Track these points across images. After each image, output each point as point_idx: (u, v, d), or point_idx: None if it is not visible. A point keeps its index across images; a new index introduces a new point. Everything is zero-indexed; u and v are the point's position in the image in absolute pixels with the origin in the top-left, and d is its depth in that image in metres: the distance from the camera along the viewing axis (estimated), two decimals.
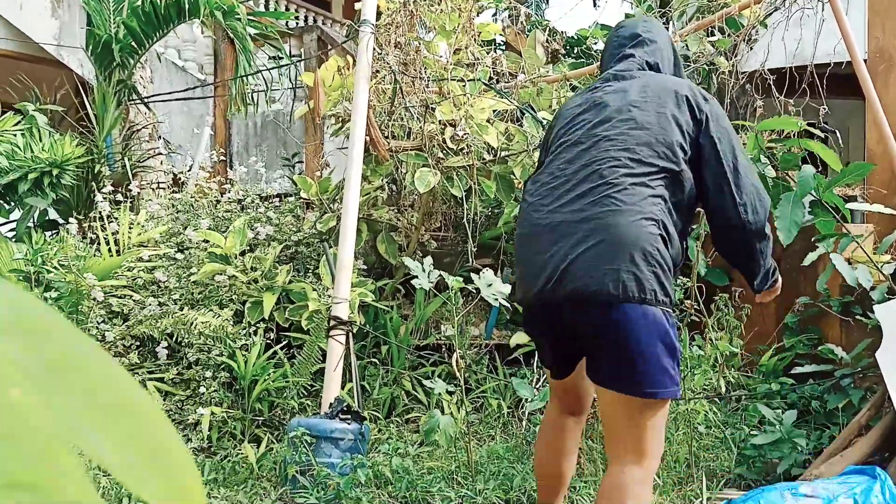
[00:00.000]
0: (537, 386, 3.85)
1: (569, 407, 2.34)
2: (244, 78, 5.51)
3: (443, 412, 3.78)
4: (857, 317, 3.97)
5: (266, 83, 5.67)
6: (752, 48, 4.58)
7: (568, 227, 2.01)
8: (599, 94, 2.23)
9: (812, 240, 3.77)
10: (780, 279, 2.27)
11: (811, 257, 3.65)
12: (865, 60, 5.61)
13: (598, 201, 1.99)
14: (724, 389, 3.69)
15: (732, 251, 2.18)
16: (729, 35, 4.36)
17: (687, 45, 4.56)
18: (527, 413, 3.80)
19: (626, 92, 2.17)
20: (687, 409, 3.43)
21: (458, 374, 3.09)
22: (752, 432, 3.52)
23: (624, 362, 1.93)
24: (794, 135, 3.51)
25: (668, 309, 1.95)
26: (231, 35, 5.44)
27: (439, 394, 3.28)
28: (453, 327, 3.32)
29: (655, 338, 1.91)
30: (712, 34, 4.56)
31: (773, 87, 4.09)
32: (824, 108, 3.82)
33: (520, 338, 4.38)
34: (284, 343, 4.11)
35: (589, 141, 2.12)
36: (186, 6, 5.14)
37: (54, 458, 0.29)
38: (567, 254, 1.97)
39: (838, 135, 4.11)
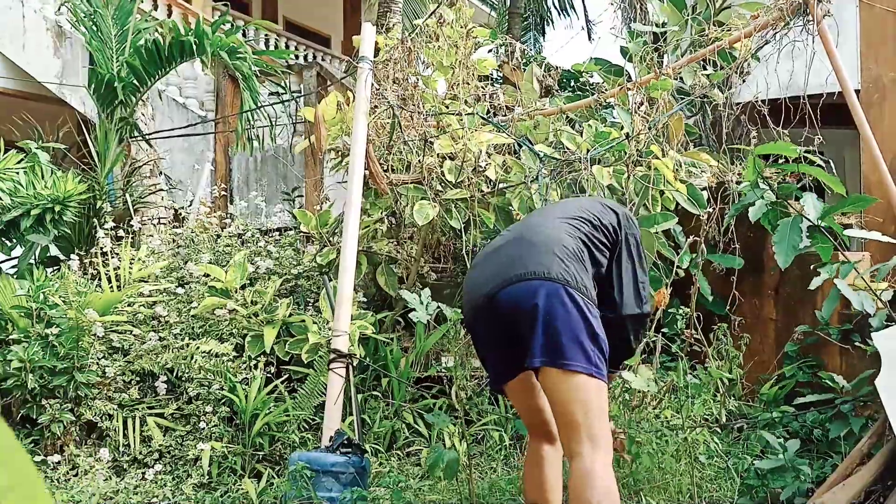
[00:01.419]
0: None
1: (540, 433, 2.52)
2: (247, 115, 5.57)
3: (444, 445, 3.77)
4: (857, 344, 3.97)
5: (270, 120, 5.74)
6: (744, 80, 4.65)
7: (500, 249, 2.40)
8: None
9: (812, 267, 3.79)
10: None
11: (816, 282, 3.66)
12: (858, 91, 5.69)
13: (525, 228, 2.45)
14: (724, 418, 3.68)
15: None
16: (722, 68, 4.43)
17: (681, 79, 4.63)
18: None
19: (557, 202, 2.80)
20: (688, 439, 3.42)
21: (458, 406, 3.08)
22: (754, 461, 3.50)
23: (547, 334, 2.16)
24: (792, 161, 3.55)
25: (587, 298, 2.23)
26: (235, 73, 5.52)
27: (440, 425, 3.27)
28: (454, 359, 3.32)
29: (574, 315, 2.16)
30: (706, 67, 4.63)
31: (767, 117, 4.14)
32: (818, 138, 3.86)
33: None
34: (285, 377, 4.11)
35: (527, 216, 2.70)
36: (191, 46, 5.22)
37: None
38: (499, 261, 2.35)
39: (832, 165, 4.15)
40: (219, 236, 5.02)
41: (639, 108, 4.17)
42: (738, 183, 4.23)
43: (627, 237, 2.51)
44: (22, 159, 4.94)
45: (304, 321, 4.12)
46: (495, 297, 2.28)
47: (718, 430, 3.73)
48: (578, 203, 2.62)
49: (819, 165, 3.63)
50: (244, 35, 10.66)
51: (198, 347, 3.85)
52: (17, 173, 4.80)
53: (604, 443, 2.17)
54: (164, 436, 3.76)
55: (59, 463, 3.64)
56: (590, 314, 2.20)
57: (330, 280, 4.20)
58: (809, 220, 3.45)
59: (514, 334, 2.30)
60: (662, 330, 4.04)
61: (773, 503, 3.27)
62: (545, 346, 2.16)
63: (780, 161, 3.75)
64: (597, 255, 2.41)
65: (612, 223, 2.49)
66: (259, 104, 5.57)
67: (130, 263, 4.38)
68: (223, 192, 6.92)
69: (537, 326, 2.17)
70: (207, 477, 3.57)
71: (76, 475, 3.60)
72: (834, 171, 4.06)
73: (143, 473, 3.62)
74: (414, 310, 3.05)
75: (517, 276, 2.24)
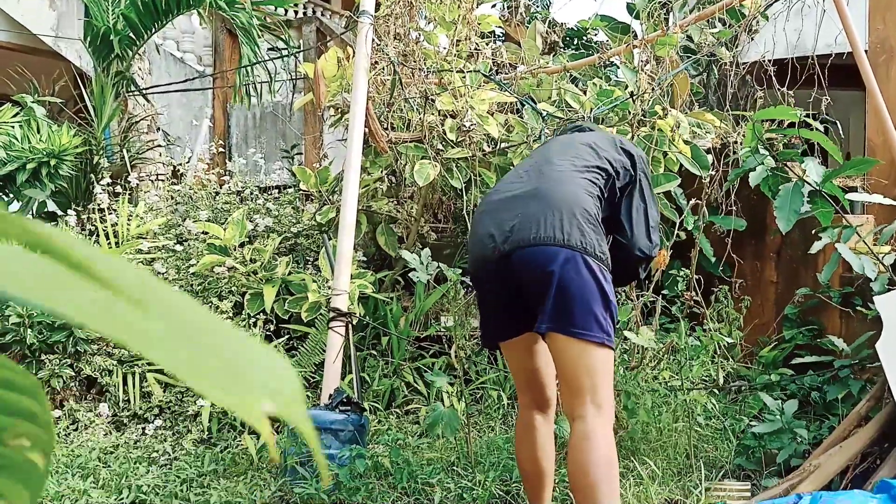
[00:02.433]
0: None
1: (535, 401, 2.47)
2: (247, 69, 5.49)
3: (443, 404, 3.78)
4: (857, 308, 3.97)
5: (270, 74, 5.66)
6: (753, 39, 4.57)
7: (516, 199, 2.31)
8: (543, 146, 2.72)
9: (813, 231, 3.76)
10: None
11: (817, 246, 3.64)
12: (866, 51, 5.60)
13: (542, 178, 2.34)
14: (722, 380, 3.70)
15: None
16: (730, 26, 4.34)
17: (689, 36, 4.54)
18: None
19: (571, 139, 2.61)
20: (686, 400, 3.43)
21: (457, 365, 3.09)
22: (751, 423, 3.52)
23: (560, 301, 2.14)
24: (795, 125, 3.50)
25: (604, 265, 2.20)
26: (234, 26, 5.41)
27: (438, 386, 3.28)
28: (453, 319, 3.32)
29: (590, 283, 2.15)
30: (714, 25, 4.54)
31: (773, 78, 4.08)
32: (826, 99, 3.81)
33: None
34: (285, 335, 4.11)
35: (540, 154, 2.56)
36: None
37: None
38: (516, 214, 2.26)
39: (839, 125, 4.10)
40: (217, 193, 4.98)
41: (644, 66, 4.10)
42: (739, 144, 4.19)
43: (640, 179, 2.47)
44: (17, 113, 4.88)
45: (303, 280, 4.11)
46: (509, 256, 2.23)
47: (716, 391, 3.75)
48: (593, 142, 2.51)
49: (824, 129, 3.58)
50: None
51: None
52: (13, 127, 4.73)
53: (607, 409, 2.17)
54: (163, 392, 3.77)
55: (59, 418, 3.65)
56: (604, 281, 2.18)
57: (329, 239, 4.18)
58: (811, 184, 3.41)
59: (524, 295, 2.27)
60: (663, 291, 4.03)
61: (770, 464, 3.30)
62: (557, 312, 2.14)
63: (784, 125, 3.70)
64: (609, 204, 2.40)
65: (626, 166, 2.45)
66: (258, 58, 5.49)
67: (128, 220, 4.35)
68: (221, 149, 6.85)
69: (550, 291, 2.14)
70: (207, 433, 3.59)
71: (76, 430, 3.62)
72: (841, 132, 4.01)
73: (143, 429, 3.64)
74: (414, 269, 3.03)
75: (535, 238, 2.18)
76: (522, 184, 2.38)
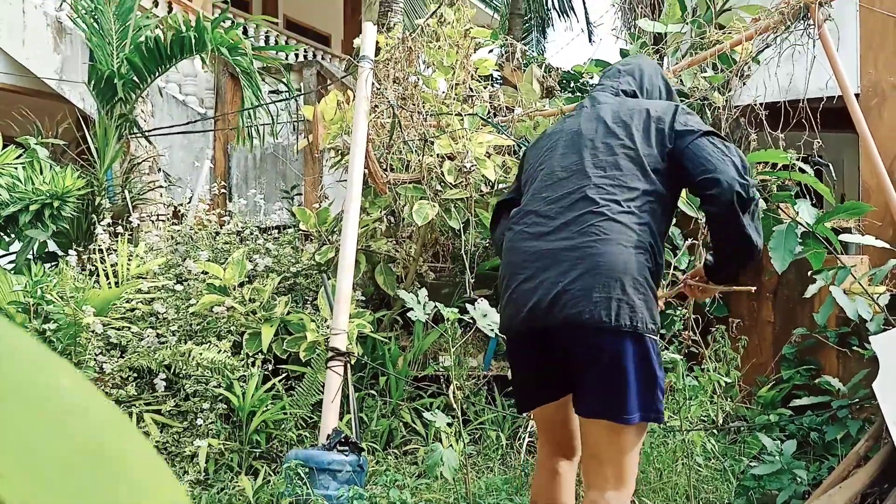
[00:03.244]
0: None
1: (560, 448, 2.30)
2: (249, 112, 5.57)
3: (442, 444, 3.77)
4: (854, 347, 3.98)
5: (272, 117, 5.74)
6: (744, 83, 4.66)
7: (557, 255, 2.02)
8: (574, 122, 2.27)
9: (809, 273, 3.79)
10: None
11: (811, 290, 3.67)
12: (858, 95, 5.70)
13: (585, 230, 2.01)
14: (720, 420, 3.69)
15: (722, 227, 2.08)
16: (722, 71, 4.43)
17: (682, 81, 4.63)
18: (525, 445, 3.79)
19: (600, 119, 2.21)
20: (685, 440, 3.43)
21: (455, 405, 3.09)
22: (751, 463, 3.51)
23: (612, 390, 1.95)
24: (788, 168, 3.56)
25: (655, 337, 1.99)
26: (236, 70, 5.51)
27: (438, 426, 3.27)
28: (451, 358, 3.33)
29: (643, 367, 1.95)
30: (706, 70, 4.64)
31: (764, 121, 4.15)
32: (817, 142, 3.87)
33: None
34: (283, 375, 4.10)
35: (571, 168, 2.15)
36: (191, 42, 5.22)
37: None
38: (558, 280, 1.99)
39: (831, 168, 4.16)
40: (217, 233, 5.01)
41: None
42: None
43: (705, 135, 2.07)
44: (21, 154, 4.93)
45: (302, 319, 4.12)
46: (554, 329, 2.02)
47: (715, 431, 3.74)
48: (637, 133, 2.12)
49: (818, 169, 3.64)
50: (245, 32, 10.66)
51: (200, 353, 3.83)
52: (16, 169, 4.79)
53: (629, 484, 2.03)
54: (161, 432, 3.76)
55: None
56: (654, 355, 1.98)
57: (328, 278, 4.20)
58: (804, 225, 3.45)
59: (566, 365, 2.09)
60: (661, 331, 4.04)
61: None
62: (607, 399, 1.97)
63: (777, 168, 3.76)
64: (663, 224, 2.10)
65: (660, 157, 2.08)
66: (260, 101, 5.57)
67: (129, 260, 4.38)
68: (222, 190, 6.92)
69: (602, 376, 1.97)
70: (204, 474, 3.57)
71: None
72: (833, 174, 4.07)
73: None
74: (412, 309, 3.05)
75: (588, 319, 1.93)
76: (556, 225, 2.07)
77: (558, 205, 2.10)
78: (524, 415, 3.46)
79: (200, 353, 3.76)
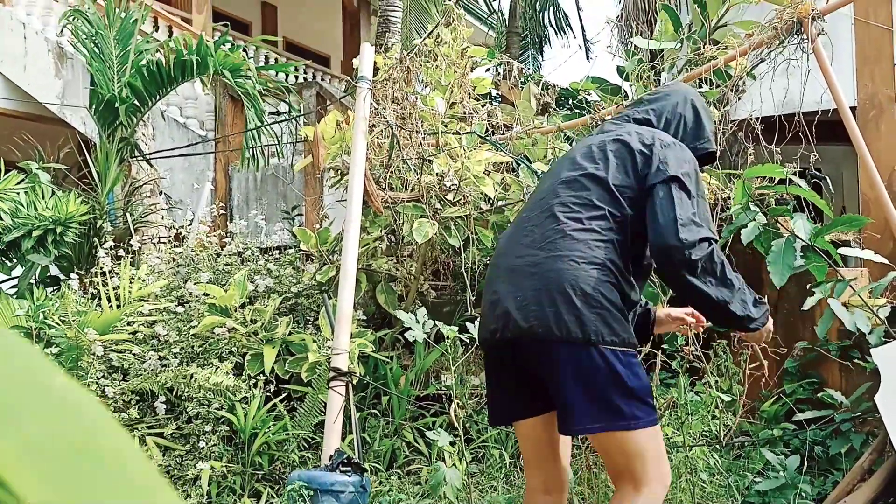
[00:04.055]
0: None
1: (544, 483, 2.25)
2: (251, 133, 5.61)
3: (444, 463, 3.76)
4: (856, 360, 3.98)
5: (276, 138, 5.78)
6: (740, 98, 4.69)
7: (520, 272, 2.09)
8: (572, 148, 2.37)
9: (808, 286, 3.79)
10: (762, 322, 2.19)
11: (810, 302, 3.67)
12: (854, 108, 5.72)
13: (545, 247, 2.07)
14: (724, 436, 3.68)
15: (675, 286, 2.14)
16: (717, 86, 4.47)
17: None
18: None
19: (590, 142, 2.27)
20: (688, 456, 3.42)
21: (457, 424, 3.08)
22: (755, 479, 3.50)
23: (576, 402, 1.97)
24: (780, 182, 3.57)
25: (620, 348, 1.97)
26: (237, 92, 5.56)
27: (441, 445, 3.26)
28: (453, 377, 3.33)
29: (605, 378, 1.95)
30: (702, 86, 4.67)
31: (760, 135, 4.17)
32: (814, 156, 3.89)
33: None
34: (284, 395, 4.10)
35: (548, 189, 2.21)
36: (193, 65, 5.27)
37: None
38: (516, 295, 2.05)
39: (829, 181, 4.18)
40: (218, 255, 5.03)
41: None
42: (731, 200, 4.25)
43: (665, 183, 2.06)
44: (23, 179, 4.97)
45: (303, 339, 4.13)
46: (509, 342, 2.08)
47: (719, 447, 3.73)
48: (605, 156, 2.15)
49: (815, 182, 3.65)
50: (245, 54, 10.74)
51: (206, 378, 3.82)
52: (18, 194, 4.82)
53: (652, 480, 2.03)
54: (163, 455, 3.75)
55: None
56: (617, 364, 1.96)
57: (329, 298, 4.21)
58: (802, 239, 3.46)
59: (533, 383, 2.13)
60: (662, 346, 4.04)
61: None
62: (568, 413, 1.99)
63: (774, 182, 3.77)
64: (629, 245, 2.10)
65: (633, 184, 2.09)
66: (263, 122, 5.62)
67: (130, 282, 4.39)
68: (223, 211, 6.95)
69: (558, 390, 2.01)
70: (207, 496, 3.56)
71: None
72: (831, 188, 4.08)
73: None
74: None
75: (531, 328, 1.99)
76: (527, 241, 2.13)
77: (531, 222, 2.18)
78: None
79: (206, 378, 3.76)
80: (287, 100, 6.26)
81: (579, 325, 1.95)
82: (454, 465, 3.53)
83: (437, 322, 3.06)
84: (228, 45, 5.92)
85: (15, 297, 4.52)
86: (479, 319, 2.26)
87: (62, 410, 0.32)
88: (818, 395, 3.96)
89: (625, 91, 4.94)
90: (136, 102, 5.45)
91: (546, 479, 2.25)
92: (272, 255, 5.23)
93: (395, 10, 7.95)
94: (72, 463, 0.30)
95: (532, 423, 2.22)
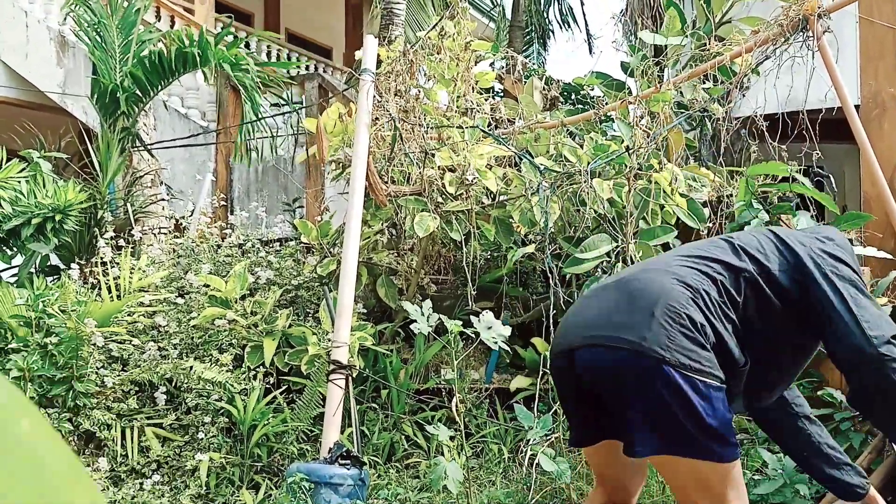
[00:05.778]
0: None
1: (612, 495, 2.21)
2: (250, 126, 5.60)
3: (444, 457, 3.76)
4: None
5: (271, 131, 5.77)
6: (744, 95, 4.67)
7: (607, 290, 2.03)
8: None
9: None
10: None
11: None
12: (858, 106, 5.71)
13: (638, 271, 2.03)
14: None
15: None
16: (722, 82, 4.45)
17: (681, 92, 4.65)
18: (527, 458, 3.78)
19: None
20: None
21: (457, 418, 3.08)
22: (753, 477, 3.49)
23: (639, 419, 1.83)
24: (783, 180, 3.56)
25: (697, 377, 1.77)
26: (237, 85, 5.54)
27: (441, 439, 3.26)
28: (453, 371, 3.32)
29: (673, 401, 1.77)
30: (706, 82, 4.65)
31: (765, 132, 4.16)
32: (817, 153, 3.88)
33: (520, 382, 4.38)
34: (284, 388, 4.10)
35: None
36: (194, 57, 5.25)
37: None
38: (592, 310, 2.00)
39: (832, 179, 4.17)
40: (219, 246, 5.02)
41: (639, 121, 4.19)
42: (734, 197, 4.24)
43: (819, 274, 1.96)
44: (24, 168, 4.96)
45: (303, 332, 4.12)
46: (573, 353, 1.95)
47: None
48: (740, 238, 2.07)
49: (819, 181, 3.64)
50: (247, 46, 10.70)
51: (202, 371, 3.81)
52: (19, 182, 4.81)
53: None
54: (162, 446, 3.75)
55: None
56: (695, 395, 1.76)
57: (330, 291, 4.21)
58: None
59: (596, 400, 2.00)
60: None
61: None
62: (645, 434, 1.82)
63: (777, 180, 3.76)
64: (757, 304, 1.95)
65: (786, 262, 1.98)
66: (260, 115, 5.60)
67: (130, 273, 4.39)
68: (224, 203, 6.93)
69: (625, 408, 1.85)
70: (205, 488, 3.56)
71: None
72: (834, 185, 4.07)
73: (141, 484, 3.61)
74: (414, 321, 3.05)
75: (602, 336, 1.87)
76: (620, 279, 2.06)
77: (634, 268, 2.18)
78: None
79: (202, 371, 3.76)
80: (289, 92, 6.24)
81: (653, 337, 1.79)
82: (453, 459, 3.53)
83: (440, 315, 3.06)
84: (231, 37, 5.89)
85: (15, 286, 4.51)
86: (556, 335, 2.13)
87: (26, 462, 0.30)
88: (818, 393, 3.96)
89: (628, 87, 4.92)
90: (137, 92, 5.43)
91: (612, 492, 2.21)
92: (273, 247, 5.23)
93: (398, 3, 7.92)
94: None
95: (596, 449, 2.14)
